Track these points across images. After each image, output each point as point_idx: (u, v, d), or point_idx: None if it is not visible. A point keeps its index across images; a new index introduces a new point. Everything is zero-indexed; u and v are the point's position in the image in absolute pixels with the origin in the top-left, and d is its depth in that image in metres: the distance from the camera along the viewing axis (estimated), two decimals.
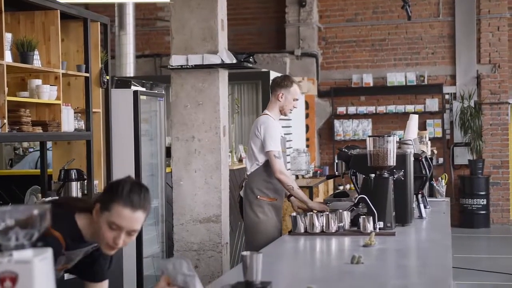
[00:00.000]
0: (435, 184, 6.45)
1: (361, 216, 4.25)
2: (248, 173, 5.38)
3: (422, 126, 12.44)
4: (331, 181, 11.18)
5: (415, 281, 3.02)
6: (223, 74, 6.09)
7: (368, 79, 12.96)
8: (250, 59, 6.23)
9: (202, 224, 5.75)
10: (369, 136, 4.48)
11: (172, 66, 5.91)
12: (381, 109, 12.86)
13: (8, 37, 4.73)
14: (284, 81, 5.40)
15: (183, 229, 5.75)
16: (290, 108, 5.41)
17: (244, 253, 2.76)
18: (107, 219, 2.56)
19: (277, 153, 5.15)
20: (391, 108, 12.82)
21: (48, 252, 1.78)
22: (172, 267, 2.54)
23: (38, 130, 4.95)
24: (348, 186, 12.35)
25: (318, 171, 11.07)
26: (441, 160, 12.63)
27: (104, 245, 2.63)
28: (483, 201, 12.31)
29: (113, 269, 5.63)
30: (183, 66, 5.89)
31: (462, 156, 12.67)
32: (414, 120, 5.53)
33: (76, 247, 2.70)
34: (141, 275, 6.27)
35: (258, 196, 5.25)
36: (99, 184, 5.90)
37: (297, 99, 5.42)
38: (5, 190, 6.33)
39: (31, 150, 8.49)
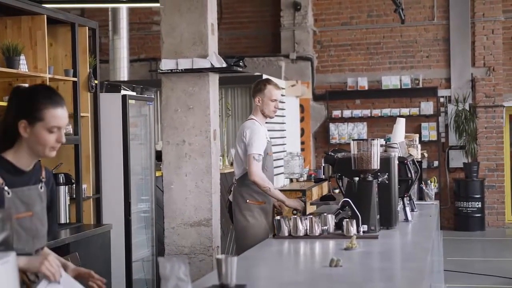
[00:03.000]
0: (424, 188, 6.45)
1: (345, 220, 4.26)
2: (236, 178, 5.46)
3: (417, 129, 12.46)
4: (325, 184, 11.19)
5: (389, 284, 3.03)
6: (214, 78, 6.11)
7: (363, 83, 12.98)
8: (240, 63, 6.24)
9: (193, 227, 5.77)
10: (353, 140, 4.50)
11: (162, 70, 5.93)
12: (376, 112, 12.88)
13: None
14: (258, 85, 5.50)
15: (174, 232, 5.76)
16: (272, 110, 5.46)
17: (219, 256, 2.79)
18: (44, 127, 2.69)
19: (257, 156, 5.25)
20: (386, 111, 12.84)
21: (11, 256, 1.80)
22: (170, 267, 2.56)
23: None
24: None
25: (313, 175, 11.08)
26: (436, 163, 12.65)
27: (47, 150, 2.73)
28: (478, 204, 12.32)
29: (101, 272, 5.64)
30: (173, 70, 5.91)
31: (457, 159, 12.68)
32: (401, 124, 5.55)
33: (19, 183, 2.73)
34: (130, 279, 6.28)
35: (248, 201, 5.34)
36: (87, 188, 5.92)
37: (275, 100, 5.46)
38: None
39: None
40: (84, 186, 5.80)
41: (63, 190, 5.45)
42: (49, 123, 2.70)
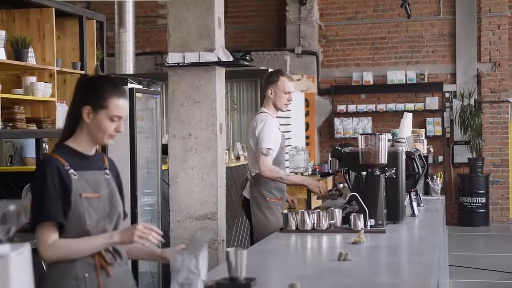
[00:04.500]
0: (430, 183, 6.45)
1: (352, 214, 4.26)
2: (253, 174, 5.28)
3: (422, 124, 12.45)
4: (330, 179, 11.19)
5: (398, 278, 3.03)
6: (220, 72, 6.11)
7: (368, 77, 12.97)
8: (247, 57, 6.24)
9: (199, 221, 5.77)
10: (361, 134, 4.50)
11: (168, 63, 5.93)
12: (381, 107, 12.87)
13: (1, 34, 4.76)
14: (271, 77, 5.31)
15: (180, 226, 5.77)
16: (285, 103, 5.28)
17: (229, 249, 2.79)
18: (107, 115, 2.80)
19: (265, 150, 5.12)
20: (391, 106, 12.83)
21: (25, 247, 1.81)
22: (181, 260, 2.57)
23: (33, 127, 4.98)
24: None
25: (318, 169, 11.07)
26: (440, 158, 12.64)
27: (105, 138, 2.84)
28: (482, 200, 12.32)
29: None
30: (180, 64, 5.91)
31: (462, 155, 12.67)
32: (408, 118, 5.55)
33: (83, 166, 2.85)
34: (137, 271, 6.29)
35: (267, 198, 5.20)
36: None
37: (288, 92, 5.28)
38: (3, 186, 6.35)
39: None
40: None
41: None
42: (111, 112, 2.80)
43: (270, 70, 10.10)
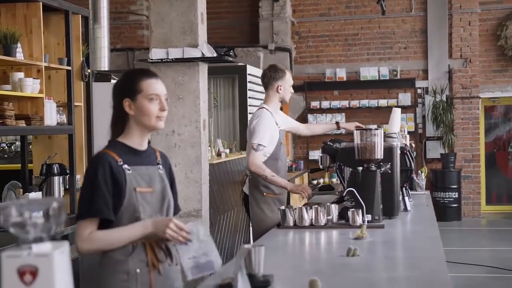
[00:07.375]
0: (415, 178, 6.50)
1: (350, 209, 4.26)
2: (251, 170, 5.18)
3: None
4: (305, 175, 11.23)
5: (413, 273, 3.02)
6: (203, 68, 6.07)
7: (342, 74, 13.02)
8: (230, 53, 6.21)
9: (183, 218, 5.73)
10: (357, 129, 4.49)
11: (152, 59, 5.87)
12: (355, 103, 12.93)
13: None
14: (278, 73, 5.37)
15: None
16: (289, 95, 5.48)
17: (246, 246, 2.76)
18: (144, 97, 2.85)
19: (256, 145, 5.09)
20: (364, 102, 12.90)
21: (66, 246, 1.76)
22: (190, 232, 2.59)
23: (21, 124, 4.88)
24: (321, 180, 12.40)
25: (293, 166, 11.09)
26: (413, 154, 12.73)
27: (154, 120, 2.86)
28: (454, 195, 12.46)
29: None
30: (163, 60, 5.85)
31: (434, 150, 12.80)
32: (397, 113, 5.56)
33: (137, 162, 2.87)
34: None
35: (265, 193, 5.20)
36: (81, 179, 5.83)
37: (291, 84, 5.48)
38: None
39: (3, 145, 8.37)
40: (78, 176, 5.72)
41: (57, 181, 5.37)
42: (147, 91, 2.85)
43: (248, 66, 10.09)
